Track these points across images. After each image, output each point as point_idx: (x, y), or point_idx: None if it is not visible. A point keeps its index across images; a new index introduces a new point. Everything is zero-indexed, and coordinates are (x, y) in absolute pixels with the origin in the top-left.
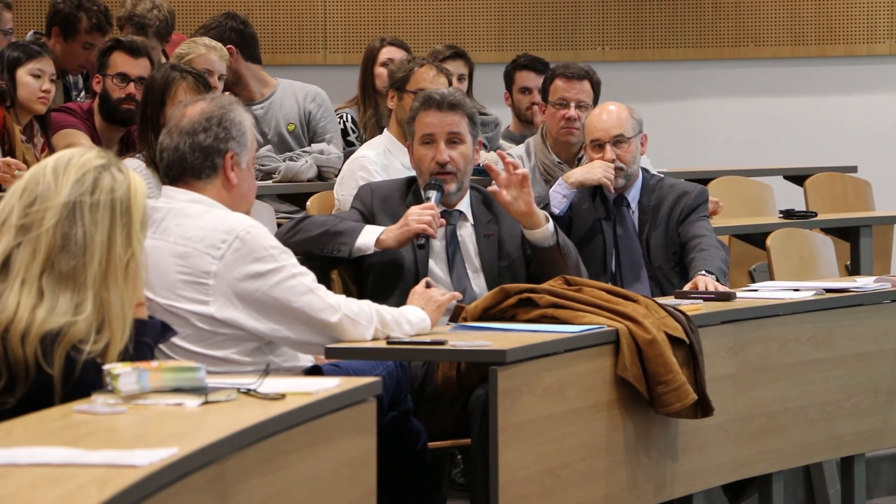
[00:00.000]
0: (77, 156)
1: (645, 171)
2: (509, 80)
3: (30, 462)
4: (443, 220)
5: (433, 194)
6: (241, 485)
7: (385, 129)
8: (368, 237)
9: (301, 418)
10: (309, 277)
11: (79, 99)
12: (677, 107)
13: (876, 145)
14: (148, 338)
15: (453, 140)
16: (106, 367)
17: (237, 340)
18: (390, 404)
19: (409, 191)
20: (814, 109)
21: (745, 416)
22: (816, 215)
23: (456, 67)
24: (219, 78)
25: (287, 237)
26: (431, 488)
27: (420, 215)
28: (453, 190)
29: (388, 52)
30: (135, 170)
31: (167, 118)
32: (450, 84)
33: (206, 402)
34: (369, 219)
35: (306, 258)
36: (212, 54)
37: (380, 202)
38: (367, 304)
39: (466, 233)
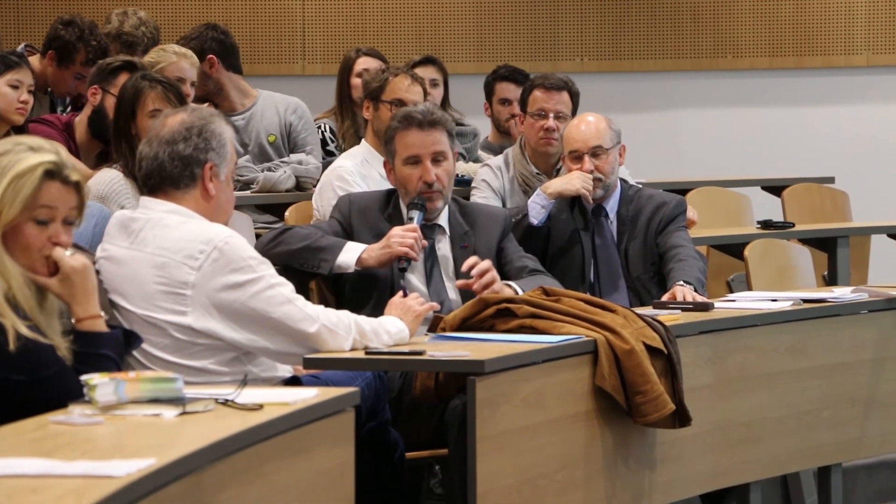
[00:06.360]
0: None
1: (623, 181)
2: (489, 91)
3: (6, 473)
4: (424, 242)
5: (416, 214)
6: (219, 495)
7: (363, 139)
8: (349, 255)
9: (279, 429)
10: (287, 288)
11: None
12: (655, 117)
13: (853, 156)
14: (107, 350)
15: (437, 158)
16: (83, 377)
17: (215, 351)
18: (368, 414)
19: (389, 203)
20: (791, 120)
21: (722, 426)
22: (794, 226)
23: (427, 73)
24: (191, 85)
25: (268, 248)
26: (409, 498)
27: (403, 237)
28: (439, 206)
29: (363, 63)
30: (112, 179)
31: (139, 128)
32: (425, 93)
33: (183, 413)
34: (347, 230)
35: (284, 269)
36: (182, 62)
37: (358, 213)
38: (345, 315)
39: (444, 246)
